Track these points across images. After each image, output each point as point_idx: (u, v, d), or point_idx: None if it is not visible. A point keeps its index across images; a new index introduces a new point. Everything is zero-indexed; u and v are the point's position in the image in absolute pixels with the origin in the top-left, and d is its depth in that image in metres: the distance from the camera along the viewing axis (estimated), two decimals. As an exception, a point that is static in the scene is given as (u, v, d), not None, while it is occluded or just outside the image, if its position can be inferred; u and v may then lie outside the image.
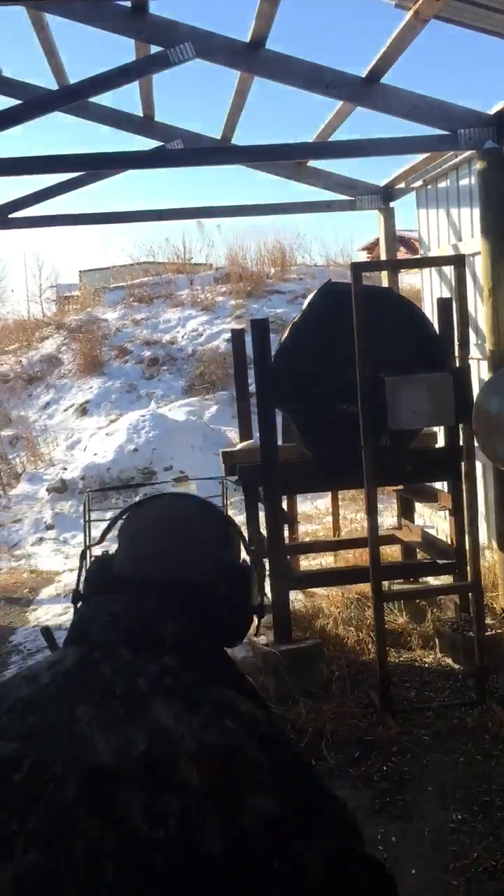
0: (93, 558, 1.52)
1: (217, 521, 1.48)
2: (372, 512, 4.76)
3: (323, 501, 10.32)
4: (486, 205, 5.98)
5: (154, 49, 5.71)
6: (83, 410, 14.08)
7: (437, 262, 7.03)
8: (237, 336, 6.52)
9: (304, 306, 5.52)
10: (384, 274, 8.34)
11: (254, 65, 5.69)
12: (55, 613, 7.40)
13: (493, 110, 5.80)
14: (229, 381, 13.76)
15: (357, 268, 4.64)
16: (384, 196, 8.37)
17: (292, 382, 5.32)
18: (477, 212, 6.36)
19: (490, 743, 4.42)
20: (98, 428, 13.26)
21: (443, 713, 4.76)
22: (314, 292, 5.42)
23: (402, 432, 5.23)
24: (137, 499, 1.97)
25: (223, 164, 6.74)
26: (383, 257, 8.54)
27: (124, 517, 1.49)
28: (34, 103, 5.68)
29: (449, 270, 7.31)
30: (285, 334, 5.61)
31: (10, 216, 8.15)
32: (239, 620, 1.47)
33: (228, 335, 14.49)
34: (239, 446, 6.29)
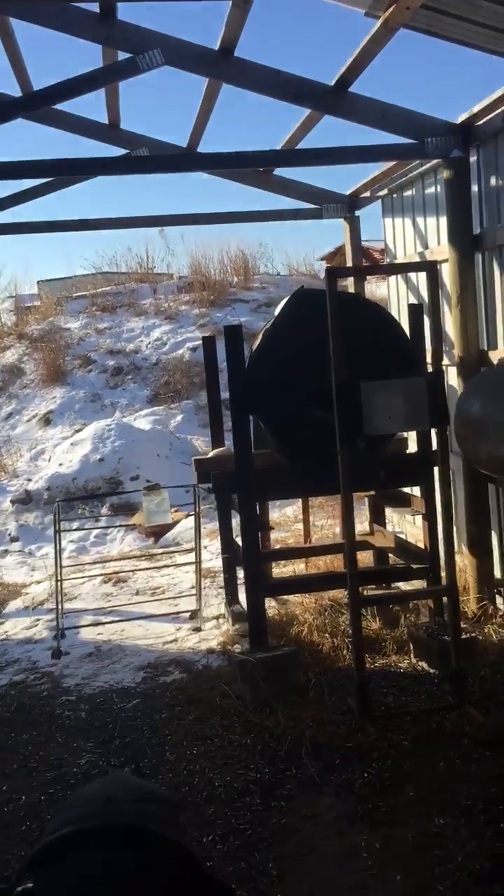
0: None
1: (169, 851, 1.21)
2: (348, 517, 4.76)
3: (291, 509, 10.32)
4: (452, 213, 6.04)
5: (122, 56, 5.67)
6: (47, 420, 13.94)
7: (410, 268, 7.08)
8: (208, 343, 6.50)
9: (276, 312, 5.52)
10: (350, 281, 8.40)
11: (223, 72, 5.69)
12: (23, 626, 7.28)
13: (459, 120, 5.86)
14: (194, 390, 13.75)
15: (332, 272, 4.65)
16: (349, 205, 8.42)
17: (266, 388, 5.31)
18: (443, 220, 6.42)
19: (469, 746, 4.42)
20: (62, 438, 13.14)
21: (421, 718, 4.75)
22: (286, 298, 5.42)
23: (377, 437, 5.25)
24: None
25: (189, 170, 6.71)
26: (349, 264, 8.58)
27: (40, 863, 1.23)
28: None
29: (415, 277, 7.37)
30: (258, 341, 5.60)
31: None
32: None
33: (192, 344, 14.49)
34: (212, 454, 6.27)
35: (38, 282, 21.91)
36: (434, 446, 5.17)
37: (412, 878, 3.50)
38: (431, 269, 4.74)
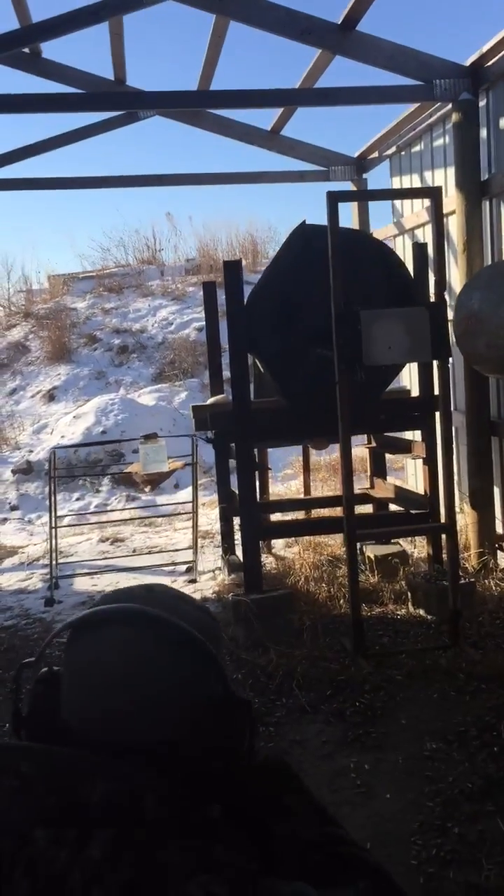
0: (39, 674, 1.16)
1: (187, 649, 1.07)
2: (346, 450, 4.65)
3: (295, 483, 10.21)
4: (460, 158, 5.93)
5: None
6: (50, 397, 13.87)
7: (415, 194, 6.99)
8: (209, 288, 6.40)
9: (279, 248, 5.42)
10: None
11: (228, 7, 5.60)
12: (18, 579, 7.19)
13: (468, 61, 5.76)
14: (199, 369, 13.66)
15: (333, 196, 4.55)
16: (357, 167, 8.32)
17: (266, 326, 5.21)
18: (451, 172, 6.32)
19: (464, 681, 4.31)
20: (66, 413, 13.07)
21: (416, 655, 4.64)
22: (288, 234, 5.31)
23: (377, 376, 5.15)
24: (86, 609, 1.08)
25: (193, 106, 6.60)
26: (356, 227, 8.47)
27: (72, 637, 1.11)
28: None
29: (421, 234, 7.27)
30: (260, 278, 5.50)
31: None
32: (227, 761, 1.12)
33: (198, 324, 14.40)
34: (210, 400, 6.17)
35: (48, 276, 21.82)
36: (436, 385, 5.05)
37: (402, 797, 3.40)
38: (436, 194, 4.63)
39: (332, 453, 10.09)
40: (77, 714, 1.06)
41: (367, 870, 0.98)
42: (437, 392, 5.06)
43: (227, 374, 5.91)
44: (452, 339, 5.18)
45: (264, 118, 8.13)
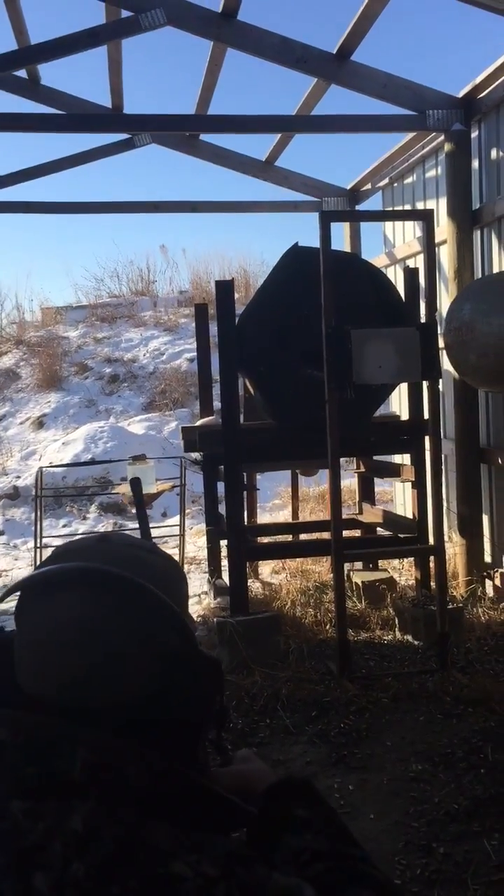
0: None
1: (155, 610, 1.02)
2: (335, 468, 4.63)
3: (283, 513, 10.16)
4: (452, 188, 6.01)
5: (125, 14, 5.67)
6: (40, 423, 13.84)
7: (407, 216, 7.05)
8: (200, 310, 6.42)
9: (272, 269, 5.45)
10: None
11: (224, 35, 5.69)
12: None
13: (461, 93, 5.86)
14: (190, 399, 13.66)
15: (325, 216, 4.58)
16: (350, 198, 8.40)
17: (256, 346, 5.21)
18: (443, 202, 6.39)
19: (451, 704, 4.25)
20: (54, 440, 13.03)
21: (403, 678, 4.57)
22: (281, 256, 5.34)
23: (367, 398, 5.15)
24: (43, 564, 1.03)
25: (188, 130, 6.65)
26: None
27: (23, 599, 1.06)
28: None
29: (412, 264, 7.32)
30: (251, 298, 5.51)
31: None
32: (198, 724, 1.08)
33: (190, 355, 14.44)
34: (199, 422, 6.16)
35: (41, 308, 21.87)
36: (426, 407, 5.05)
37: (386, 817, 3.32)
38: (428, 217, 4.67)
39: (321, 483, 10.07)
40: (30, 679, 1.02)
41: (372, 883, 0.93)
42: (426, 415, 5.06)
43: (217, 404, 5.91)
44: (444, 361, 5.19)
45: (259, 149, 8.24)
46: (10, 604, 1.09)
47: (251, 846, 1.01)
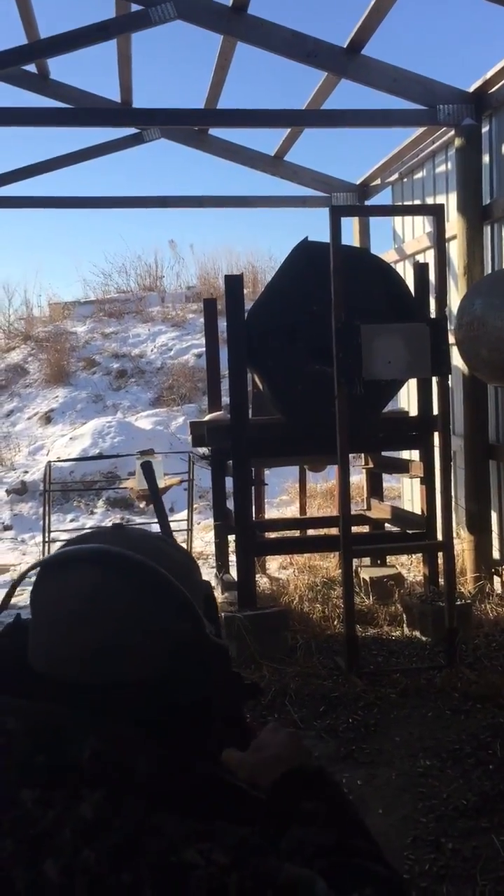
0: (5, 625, 1.14)
1: (166, 593, 1.03)
2: (343, 463, 4.62)
3: (291, 509, 10.16)
4: (462, 183, 5.98)
5: (135, 8, 5.66)
6: (48, 419, 13.85)
7: (418, 210, 7.03)
8: (209, 306, 6.41)
9: (281, 264, 5.44)
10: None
11: (235, 29, 5.67)
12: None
13: (472, 87, 5.83)
14: (198, 395, 13.66)
15: (336, 210, 4.57)
16: (360, 194, 8.38)
17: (266, 341, 5.21)
18: (453, 197, 6.36)
19: (459, 700, 4.24)
20: (62, 435, 13.04)
21: (411, 674, 4.57)
22: (290, 251, 5.33)
23: (376, 394, 5.13)
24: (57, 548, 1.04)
25: (198, 124, 6.63)
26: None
27: (38, 580, 1.08)
28: (4, 55, 5.57)
29: (421, 257, 7.30)
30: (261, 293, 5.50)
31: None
32: (207, 713, 1.07)
33: (198, 350, 14.43)
34: (208, 417, 6.15)
35: (49, 303, 21.90)
36: (435, 403, 5.04)
37: (395, 812, 3.32)
38: (438, 212, 4.65)
39: (329, 479, 10.06)
40: (42, 656, 1.02)
41: (375, 881, 0.92)
42: (436, 411, 5.05)
43: (226, 399, 5.91)
44: (454, 357, 5.18)
45: (268, 144, 8.22)
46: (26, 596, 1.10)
47: (261, 835, 1.01)
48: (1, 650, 1.11)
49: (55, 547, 6.53)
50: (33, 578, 1.10)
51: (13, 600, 1.21)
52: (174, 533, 6.95)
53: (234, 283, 5.21)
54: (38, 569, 1.09)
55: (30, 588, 1.10)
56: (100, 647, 0.99)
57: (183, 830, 0.86)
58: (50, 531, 6.75)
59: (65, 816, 0.86)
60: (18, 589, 1.20)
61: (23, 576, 1.15)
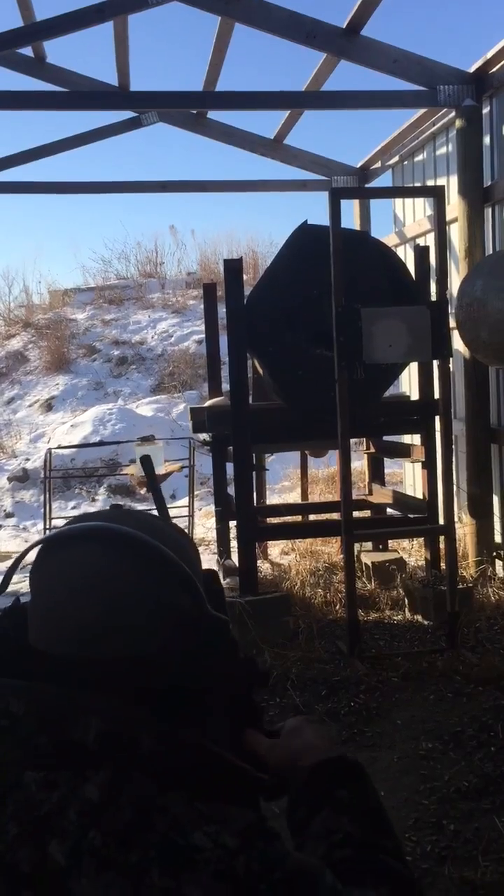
0: (4, 608, 1.14)
1: (166, 568, 1.02)
2: (344, 448, 4.61)
3: (293, 495, 10.16)
4: (463, 165, 5.94)
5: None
6: (48, 406, 13.83)
7: (418, 192, 6.98)
8: (209, 290, 6.38)
9: (281, 248, 5.40)
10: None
11: (233, 10, 5.62)
12: (11, 583, 7.10)
13: (472, 68, 5.79)
14: (199, 382, 13.64)
15: (336, 193, 4.54)
16: (360, 177, 8.33)
17: (265, 326, 5.18)
18: (454, 180, 6.32)
19: (461, 683, 4.24)
20: (63, 423, 13.03)
21: (413, 658, 4.57)
22: (289, 234, 5.30)
23: (377, 377, 5.11)
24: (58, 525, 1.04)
25: (196, 107, 6.58)
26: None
27: (37, 559, 1.07)
28: (0, 38, 5.52)
29: (422, 243, 7.26)
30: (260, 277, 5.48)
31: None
32: (209, 689, 1.07)
33: (198, 337, 14.39)
34: (208, 403, 6.13)
35: (49, 290, 21.82)
36: (436, 389, 5.02)
37: (396, 794, 3.32)
38: (439, 193, 4.62)
39: (330, 465, 10.05)
40: (42, 633, 1.01)
41: (392, 881, 0.92)
42: (437, 395, 5.03)
43: (226, 386, 5.89)
44: (455, 341, 5.15)
45: (268, 127, 8.17)
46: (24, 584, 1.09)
47: (287, 816, 1.01)
48: (1, 632, 1.11)
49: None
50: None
51: (14, 586, 1.20)
52: (175, 519, 6.95)
53: (234, 268, 5.18)
54: (38, 547, 1.08)
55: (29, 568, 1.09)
56: (99, 622, 0.98)
57: (191, 812, 0.86)
58: (51, 518, 6.75)
59: (70, 798, 0.85)
60: (18, 575, 1.20)
61: (23, 554, 1.14)
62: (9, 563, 7.96)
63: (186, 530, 7.08)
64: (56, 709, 0.93)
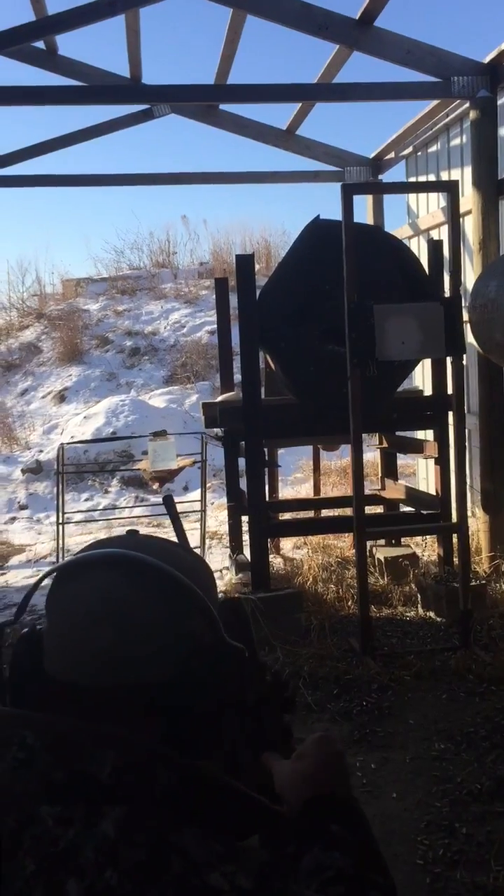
0: (20, 632, 1.12)
1: (182, 596, 1.02)
2: (357, 445, 4.59)
3: (305, 487, 10.14)
4: (477, 156, 5.88)
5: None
6: (61, 397, 13.85)
7: (431, 187, 6.93)
8: (221, 285, 6.36)
9: (293, 243, 5.37)
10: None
11: (245, 1, 5.57)
12: (24, 576, 7.15)
13: (487, 58, 5.71)
14: (211, 372, 13.62)
15: (348, 189, 4.50)
16: (373, 168, 8.27)
17: (277, 321, 5.15)
18: (468, 171, 6.26)
19: (474, 682, 4.23)
20: (76, 414, 13.05)
21: (425, 656, 4.56)
22: (302, 229, 5.26)
23: (389, 374, 5.08)
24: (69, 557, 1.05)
25: (208, 100, 6.53)
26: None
27: (53, 585, 1.06)
28: (12, 32, 5.49)
29: (436, 235, 7.21)
30: (272, 272, 5.44)
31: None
32: (224, 718, 1.06)
33: (211, 327, 14.35)
34: (220, 398, 6.11)
35: (62, 280, 21.81)
36: (449, 384, 4.98)
37: (409, 796, 3.32)
38: (452, 189, 4.57)
39: (343, 457, 10.01)
40: (58, 660, 1.01)
41: None
42: (450, 391, 5.00)
43: (238, 377, 5.88)
44: (468, 335, 5.11)
45: (280, 118, 8.11)
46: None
47: (277, 850, 1.00)
48: (17, 658, 1.10)
49: (69, 528, 6.53)
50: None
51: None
52: (188, 513, 6.93)
53: (245, 264, 5.15)
54: (54, 574, 1.08)
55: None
56: (114, 649, 0.98)
57: (207, 852, 0.85)
58: (64, 513, 6.76)
59: (86, 834, 0.84)
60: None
61: (39, 581, 1.14)
62: (22, 556, 8.00)
63: (199, 524, 7.07)
64: (71, 742, 0.93)
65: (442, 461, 5.38)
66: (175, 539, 1.21)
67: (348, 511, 6.17)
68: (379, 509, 6.55)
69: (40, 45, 7.09)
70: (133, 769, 0.90)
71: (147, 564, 1.02)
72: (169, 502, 1.25)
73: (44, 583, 1.15)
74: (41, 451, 11.98)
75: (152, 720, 0.99)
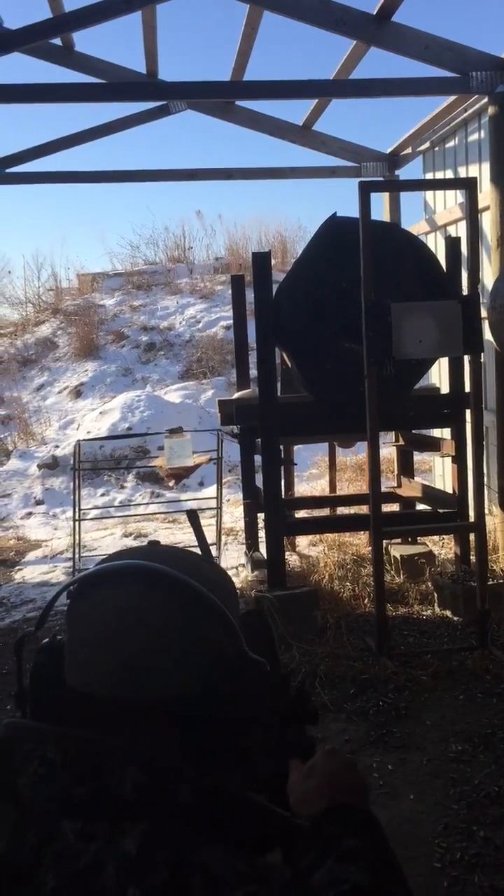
0: (41, 644, 1.12)
1: (203, 608, 1.02)
2: (373, 442, 4.57)
3: (321, 483, 10.13)
4: (496, 151, 5.83)
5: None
6: (77, 393, 13.89)
7: (449, 184, 6.88)
8: (237, 281, 6.34)
9: (310, 240, 5.35)
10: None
11: (261, -3, 5.54)
12: (41, 572, 7.18)
13: (505, 53, 5.66)
14: (227, 368, 13.62)
15: (365, 186, 4.47)
16: (390, 163, 8.22)
17: (294, 317, 5.14)
18: (486, 167, 6.21)
19: (491, 683, 4.21)
20: (92, 409, 13.08)
21: (442, 656, 4.55)
22: (318, 227, 5.24)
23: (407, 372, 5.05)
24: (91, 567, 1.04)
25: (225, 97, 6.50)
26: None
27: (74, 596, 1.07)
28: (30, 30, 5.49)
29: (453, 231, 7.16)
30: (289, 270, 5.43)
31: (8, 171, 7.98)
32: (245, 730, 1.06)
33: (226, 322, 14.35)
34: (236, 395, 6.11)
35: (78, 275, 21.82)
36: (467, 382, 4.95)
37: (426, 798, 3.31)
38: (471, 186, 4.53)
39: (359, 453, 9.99)
40: (78, 672, 1.01)
41: None
42: (468, 389, 4.97)
43: (254, 372, 5.87)
44: (486, 333, 5.07)
45: (296, 113, 8.08)
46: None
47: (294, 861, 1.00)
48: (38, 669, 1.10)
49: (86, 524, 6.53)
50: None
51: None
52: (204, 509, 6.93)
53: (262, 261, 5.13)
54: (75, 585, 1.08)
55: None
56: (135, 661, 0.97)
57: (228, 869, 0.85)
58: (80, 509, 6.77)
59: (108, 851, 0.84)
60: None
61: (60, 592, 1.15)
62: (38, 552, 8.03)
63: (215, 520, 7.07)
64: (93, 757, 0.93)
65: (459, 459, 5.35)
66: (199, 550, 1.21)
67: (364, 508, 6.15)
68: (395, 507, 6.53)
69: (57, 41, 7.08)
70: (154, 785, 0.90)
71: (167, 576, 1.01)
72: (193, 517, 1.25)
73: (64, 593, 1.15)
74: (57, 447, 12.02)
75: (173, 733, 0.99)
